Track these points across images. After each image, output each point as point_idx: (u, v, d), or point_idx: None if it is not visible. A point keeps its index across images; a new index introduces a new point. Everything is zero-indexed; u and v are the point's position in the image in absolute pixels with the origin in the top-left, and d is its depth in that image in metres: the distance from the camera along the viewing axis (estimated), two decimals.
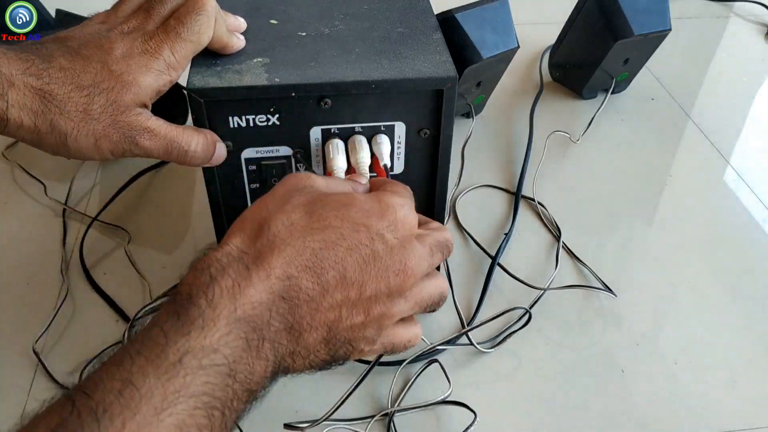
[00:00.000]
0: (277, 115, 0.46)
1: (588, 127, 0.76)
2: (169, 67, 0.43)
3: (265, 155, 0.48)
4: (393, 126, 0.47)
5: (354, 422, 0.50)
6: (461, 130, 0.75)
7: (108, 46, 0.42)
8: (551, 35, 0.84)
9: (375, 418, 0.50)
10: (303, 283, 0.35)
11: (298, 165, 0.49)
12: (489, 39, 0.67)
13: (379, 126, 0.47)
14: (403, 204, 0.39)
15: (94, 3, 0.69)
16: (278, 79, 0.44)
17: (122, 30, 0.44)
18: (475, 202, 0.70)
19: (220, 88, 0.44)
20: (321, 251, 0.35)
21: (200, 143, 0.44)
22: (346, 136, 0.48)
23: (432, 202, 0.52)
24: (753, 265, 0.64)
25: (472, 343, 0.54)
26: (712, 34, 0.99)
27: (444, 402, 0.51)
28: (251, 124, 0.46)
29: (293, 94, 0.44)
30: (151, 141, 0.43)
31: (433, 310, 0.42)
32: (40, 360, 0.53)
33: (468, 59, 0.66)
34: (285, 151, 0.48)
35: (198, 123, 0.46)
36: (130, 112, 0.42)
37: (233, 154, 0.48)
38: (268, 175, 0.49)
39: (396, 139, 0.48)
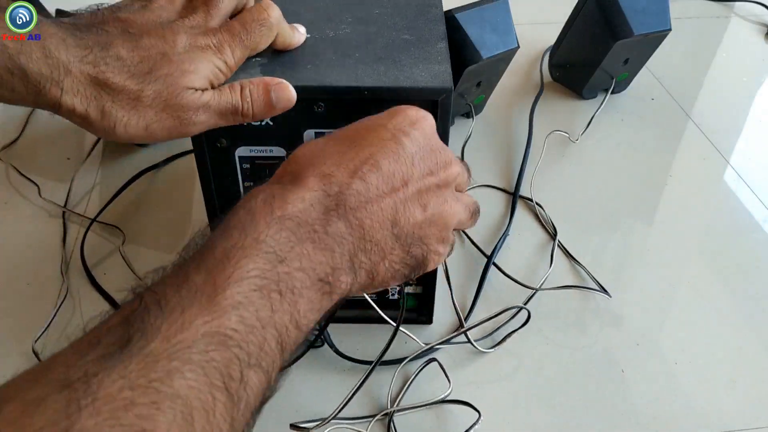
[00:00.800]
0: None
1: (587, 127, 0.76)
2: (227, 66, 0.44)
3: (258, 154, 0.48)
4: None
5: (355, 421, 0.50)
6: (461, 130, 0.75)
7: (172, 38, 0.42)
8: (551, 35, 0.84)
9: (376, 418, 0.50)
10: (342, 178, 0.35)
11: None
12: (489, 39, 0.67)
13: None
14: (412, 107, 0.40)
15: (94, 3, 0.70)
16: None
17: (185, 24, 0.44)
18: None
19: None
20: (349, 152, 0.37)
21: (251, 98, 0.44)
22: None
23: None
24: (753, 265, 0.64)
25: (471, 342, 0.54)
26: (712, 34, 0.99)
27: (447, 401, 0.51)
28: (245, 122, 0.46)
29: None
30: (205, 115, 0.43)
31: (473, 224, 0.44)
32: (39, 360, 0.53)
33: (468, 59, 0.66)
34: (279, 151, 0.48)
35: None
36: (184, 93, 0.42)
37: (227, 151, 0.48)
38: (261, 174, 0.49)
39: None
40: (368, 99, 0.45)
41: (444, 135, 0.47)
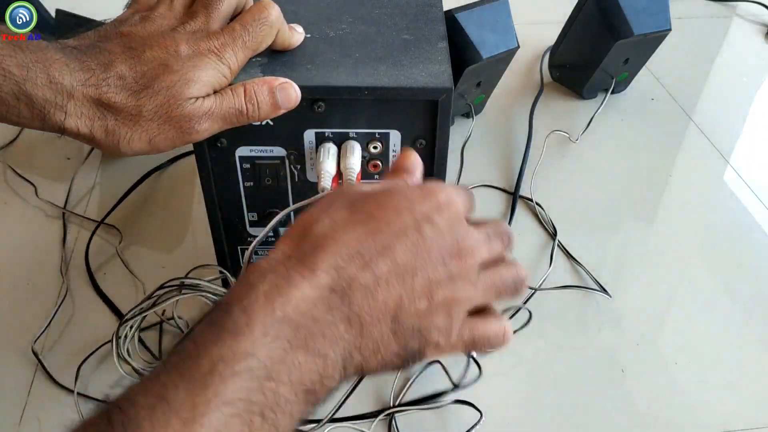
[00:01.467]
0: None
1: (587, 127, 0.76)
2: (230, 70, 0.44)
3: (259, 154, 0.48)
4: (388, 134, 0.47)
5: (356, 421, 0.50)
6: (461, 130, 0.75)
7: (174, 48, 0.42)
8: (551, 35, 0.84)
9: (379, 418, 0.50)
10: (352, 272, 0.34)
11: (292, 166, 0.49)
12: (489, 39, 0.67)
13: (374, 133, 0.47)
14: (444, 188, 0.38)
15: (94, 3, 0.70)
16: None
17: (186, 29, 0.44)
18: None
19: None
20: (367, 239, 0.34)
21: (257, 100, 0.43)
22: (340, 141, 0.48)
23: None
24: (753, 265, 0.64)
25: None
26: (712, 34, 0.99)
27: (449, 401, 0.51)
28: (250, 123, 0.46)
29: None
30: (209, 122, 0.43)
31: (514, 296, 0.40)
32: (39, 360, 0.53)
33: (468, 59, 0.66)
34: (279, 151, 0.48)
35: None
36: (185, 104, 0.42)
37: (228, 150, 0.48)
38: (261, 173, 0.49)
39: (391, 148, 0.48)
40: (368, 99, 0.45)
41: (443, 135, 0.47)
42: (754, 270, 0.63)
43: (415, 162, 0.41)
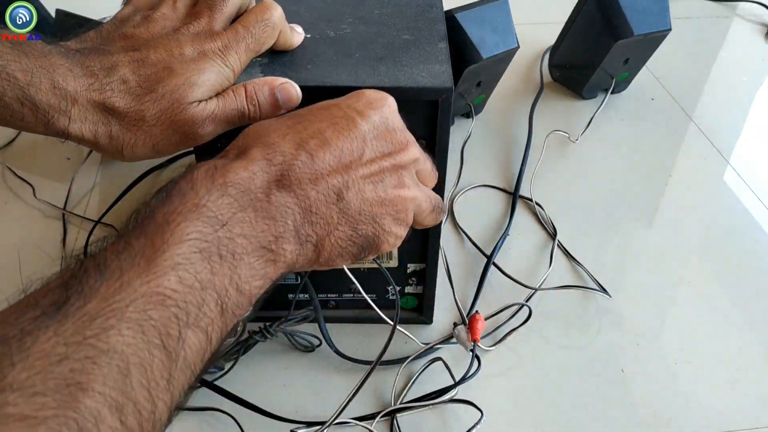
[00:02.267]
0: None
1: (587, 127, 0.76)
2: (233, 72, 0.44)
3: None
4: None
5: (359, 421, 0.50)
6: (461, 130, 0.75)
7: (178, 51, 0.42)
8: (551, 35, 0.84)
9: (381, 415, 0.50)
10: (287, 149, 0.35)
11: None
12: (489, 39, 0.67)
13: None
14: (372, 90, 0.40)
15: (94, 3, 0.70)
16: None
17: (189, 30, 0.44)
18: (473, 202, 0.70)
19: None
20: (296, 126, 0.37)
21: (258, 100, 0.44)
22: None
23: None
24: (753, 265, 0.64)
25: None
26: (712, 34, 0.99)
27: (450, 401, 0.51)
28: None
29: None
30: (212, 125, 0.43)
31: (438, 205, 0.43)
32: None
33: (468, 59, 0.66)
34: None
35: None
36: (188, 108, 0.42)
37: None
38: None
39: None
40: None
41: (444, 135, 0.47)
42: (754, 270, 0.63)
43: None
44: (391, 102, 0.40)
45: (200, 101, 0.42)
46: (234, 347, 0.53)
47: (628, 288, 0.61)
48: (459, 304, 0.57)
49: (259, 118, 0.44)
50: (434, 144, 0.47)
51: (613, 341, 0.57)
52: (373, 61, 0.46)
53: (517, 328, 0.56)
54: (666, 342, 0.57)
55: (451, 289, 0.57)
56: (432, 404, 0.51)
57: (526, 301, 0.59)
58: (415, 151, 0.40)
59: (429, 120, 0.46)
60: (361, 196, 0.37)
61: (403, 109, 0.46)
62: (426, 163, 0.42)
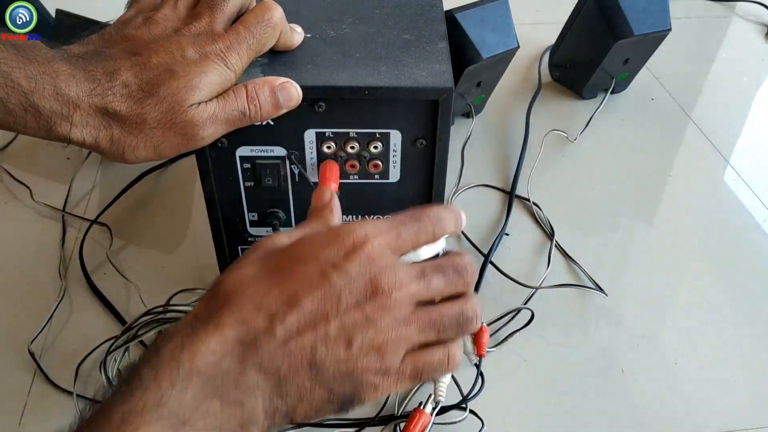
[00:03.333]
0: None
1: (586, 127, 0.76)
2: (235, 74, 0.44)
3: (259, 154, 0.48)
4: (388, 134, 0.47)
5: (358, 427, 0.50)
6: (461, 129, 0.75)
7: (179, 52, 0.42)
8: (551, 35, 0.84)
9: (381, 415, 0.50)
10: (258, 324, 0.34)
11: (292, 166, 0.49)
12: (489, 39, 0.67)
13: (374, 133, 0.47)
14: (363, 225, 0.37)
15: (94, 3, 0.70)
16: None
17: (190, 31, 0.43)
18: (472, 202, 0.70)
19: None
20: (272, 292, 0.35)
21: (258, 101, 0.43)
22: (341, 141, 0.48)
23: None
24: (753, 265, 0.64)
25: (473, 342, 0.54)
26: (712, 34, 0.99)
27: (451, 407, 0.51)
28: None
29: None
30: (213, 127, 0.43)
31: (460, 333, 0.38)
32: (36, 361, 0.53)
33: (468, 59, 0.66)
34: (280, 151, 0.48)
35: None
36: (189, 110, 0.42)
37: (228, 150, 0.48)
38: (262, 173, 0.49)
39: (392, 147, 0.48)
40: (369, 99, 0.45)
41: (444, 135, 0.47)
42: (754, 270, 0.63)
43: (328, 196, 0.42)
44: (376, 241, 0.36)
45: (200, 103, 0.42)
46: None
47: (628, 288, 0.61)
48: None
49: (260, 118, 0.44)
50: (434, 144, 0.47)
51: (612, 342, 0.56)
52: (373, 60, 0.46)
53: (517, 330, 0.56)
54: (666, 342, 0.57)
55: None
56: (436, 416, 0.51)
57: (526, 302, 0.59)
58: (403, 293, 0.36)
59: (429, 120, 0.46)
60: (334, 357, 0.35)
61: (403, 109, 0.46)
62: (430, 288, 0.37)
